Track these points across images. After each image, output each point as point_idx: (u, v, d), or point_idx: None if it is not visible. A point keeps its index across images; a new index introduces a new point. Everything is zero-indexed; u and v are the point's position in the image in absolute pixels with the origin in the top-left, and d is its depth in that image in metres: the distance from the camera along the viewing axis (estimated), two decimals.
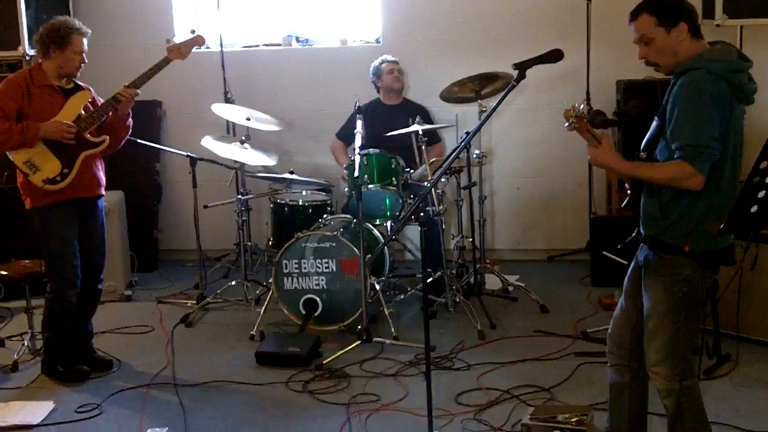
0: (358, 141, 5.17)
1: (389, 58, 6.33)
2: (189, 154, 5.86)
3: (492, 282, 6.06)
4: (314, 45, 7.09)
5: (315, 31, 7.12)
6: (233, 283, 6.00)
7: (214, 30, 6.81)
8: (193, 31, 5.01)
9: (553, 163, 6.77)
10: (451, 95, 5.76)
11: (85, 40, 4.63)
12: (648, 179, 3.20)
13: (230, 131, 6.74)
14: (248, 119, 6.01)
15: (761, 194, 2.93)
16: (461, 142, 5.49)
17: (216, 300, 5.90)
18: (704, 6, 5.81)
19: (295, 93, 6.94)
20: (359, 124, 5.34)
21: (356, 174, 4.95)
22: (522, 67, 3.48)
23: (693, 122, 3.04)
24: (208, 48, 7.12)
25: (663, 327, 3.26)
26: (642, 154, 3.30)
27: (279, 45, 7.07)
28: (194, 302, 5.93)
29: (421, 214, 5.54)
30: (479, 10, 6.68)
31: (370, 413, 4.27)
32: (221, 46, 6.67)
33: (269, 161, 5.93)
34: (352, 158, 5.47)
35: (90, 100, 4.74)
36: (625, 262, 5.28)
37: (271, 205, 5.90)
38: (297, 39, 7.08)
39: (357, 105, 5.40)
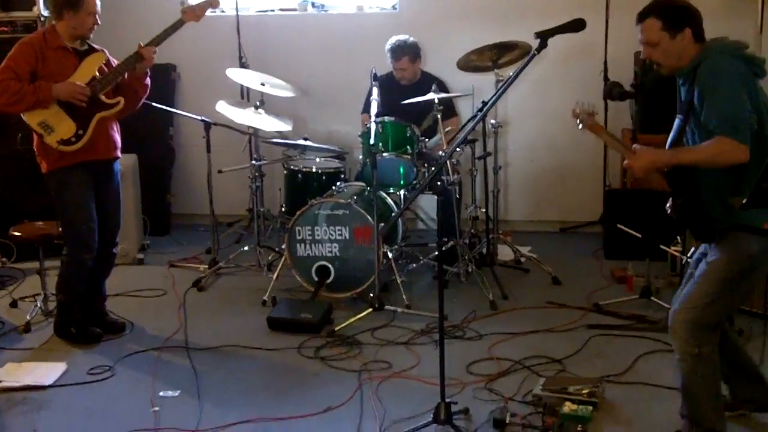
0: (373, 108, 5.13)
1: (392, 54, 6.10)
2: (203, 118, 5.84)
3: (504, 253, 6.05)
4: (330, 11, 7.02)
5: None
6: (246, 248, 5.99)
7: None
8: None
9: (567, 135, 6.69)
10: (468, 64, 5.70)
11: (98, 1, 4.59)
12: (693, 162, 3.20)
13: (244, 96, 6.72)
14: (263, 84, 5.98)
15: None
16: (478, 114, 5.46)
17: (228, 265, 5.90)
18: None
19: (310, 59, 6.90)
20: (375, 91, 5.30)
21: (372, 141, 4.92)
22: (544, 35, 3.45)
23: (723, 99, 3.10)
24: (223, 12, 7.11)
25: (705, 292, 3.29)
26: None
27: (294, 10, 7.00)
28: (206, 267, 5.94)
29: (437, 183, 5.54)
30: None
31: (382, 380, 4.28)
32: (237, 9, 6.63)
33: (284, 127, 5.92)
34: (368, 125, 5.45)
35: (104, 62, 4.71)
36: (639, 236, 5.31)
37: (285, 172, 5.88)
38: (312, 4, 7.02)
39: (373, 73, 5.34)
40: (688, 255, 3.55)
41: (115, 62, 4.76)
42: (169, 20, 4.79)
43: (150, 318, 5.16)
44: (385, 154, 5.40)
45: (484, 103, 5.43)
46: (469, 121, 5.61)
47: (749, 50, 3.28)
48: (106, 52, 4.76)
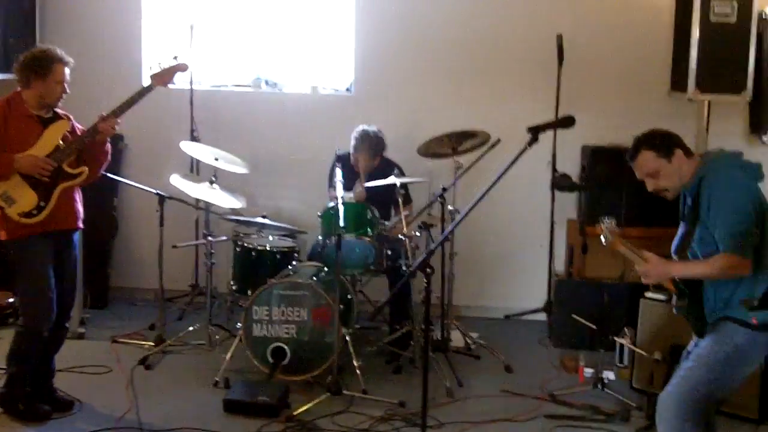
0: (339, 190, 5.14)
1: (355, 143, 6.06)
2: (158, 192, 5.74)
3: (455, 339, 6.05)
4: (284, 89, 7.04)
5: (284, 76, 7.08)
6: (196, 326, 5.84)
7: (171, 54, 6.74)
8: (175, 57, 4.93)
9: (513, 223, 6.83)
10: (428, 150, 5.79)
11: (67, 70, 4.52)
12: (702, 275, 3.47)
13: (194, 170, 6.65)
14: (216, 159, 5.93)
15: None
16: (437, 198, 5.57)
17: (176, 343, 5.74)
18: (677, 79, 6.01)
19: (263, 136, 6.89)
20: (338, 172, 5.32)
21: (342, 223, 4.92)
22: (535, 131, 3.56)
23: (730, 216, 3.37)
24: (173, 84, 7.06)
25: (690, 377, 3.48)
26: (674, 257, 3.61)
27: (248, 86, 7.01)
28: (152, 343, 5.77)
29: (398, 264, 5.58)
30: (451, 66, 6.76)
31: None
32: (191, 83, 6.61)
33: (237, 203, 5.86)
34: (327, 206, 5.45)
35: (68, 129, 4.61)
36: (594, 327, 5.42)
37: (237, 249, 5.79)
38: (266, 82, 7.03)
39: (336, 153, 5.38)
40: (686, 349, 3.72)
41: (79, 128, 4.67)
42: (124, 85, 4.71)
43: (97, 396, 4.97)
44: (345, 235, 5.38)
45: (444, 189, 5.58)
46: (428, 205, 5.73)
47: (741, 155, 3.57)
48: (71, 118, 4.67)
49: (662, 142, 3.60)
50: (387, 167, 6.02)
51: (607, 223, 3.62)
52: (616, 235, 3.62)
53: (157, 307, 6.37)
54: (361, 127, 6.06)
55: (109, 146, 4.73)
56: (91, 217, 6.55)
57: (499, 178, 3.57)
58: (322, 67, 7.03)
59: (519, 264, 6.94)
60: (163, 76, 4.88)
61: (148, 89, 4.76)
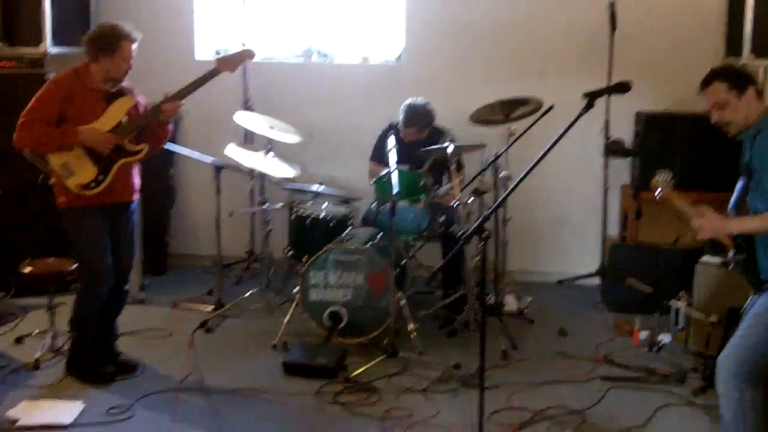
0: (393, 157, 5.18)
1: (403, 118, 6.08)
2: (215, 161, 5.85)
3: (508, 303, 6.09)
4: (335, 61, 7.10)
5: (335, 47, 7.14)
6: (254, 291, 5.96)
7: (236, 38, 6.85)
8: (243, 44, 5.00)
9: (566, 188, 6.83)
10: (480, 117, 5.81)
11: (134, 46, 4.59)
12: (756, 231, 3.49)
13: (248, 140, 6.74)
14: (272, 128, 6.01)
15: None
16: (489, 162, 5.59)
17: (235, 307, 5.86)
18: (731, 45, 5.95)
19: (315, 106, 6.95)
20: (392, 141, 5.36)
21: (396, 189, 4.98)
22: (591, 96, 3.56)
23: None
24: (216, 52, 7.17)
25: (747, 336, 3.48)
26: (732, 213, 3.64)
27: (300, 58, 7.07)
28: (211, 308, 5.90)
29: (451, 230, 5.62)
30: (503, 34, 6.75)
31: (406, 428, 4.28)
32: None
33: (292, 172, 5.93)
34: (382, 173, 5.51)
35: (132, 105, 4.70)
36: (650, 289, 5.42)
37: (292, 216, 5.88)
38: (318, 53, 7.09)
39: (389, 123, 5.43)
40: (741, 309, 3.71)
41: (143, 103, 4.77)
42: (178, 71, 4.77)
43: (160, 358, 5.10)
44: (399, 203, 5.43)
45: (497, 155, 5.59)
46: (480, 172, 5.74)
47: None
48: (135, 92, 4.76)
49: (737, 77, 3.58)
50: (436, 135, 6.07)
51: (663, 176, 3.61)
52: (671, 187, 3.61)
53: (215, 273, 6.51)
54: (408, 101, 6.10)
55: (171, 126, 4.84)
56: (149, 186, 6.68)
57: (554, 144, 3.60)
58: (372, 38, 7.06)
59: (572, 229, 6.95)
60: (230, 62, 4.97)
61: (214, 73, 4.85)
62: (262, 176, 6.29)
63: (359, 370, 4.91)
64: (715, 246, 5.20)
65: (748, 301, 3.70)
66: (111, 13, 6.69)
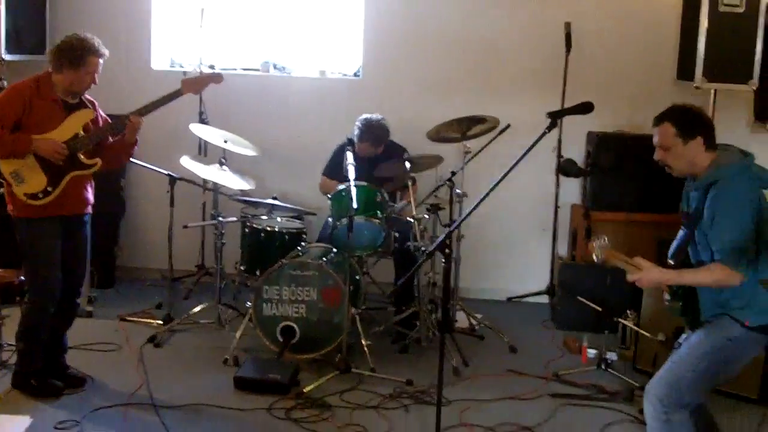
0: (351, 173, 5.19)
1: (359, 132, 6.08)
2: (170, 173, 5.80)
3: (459, 320, 6.13)
4: (292, 73, 7.09)
5: (293, 60, 7.13)
6: (205, 305, 5.90)
7: (193, 49, 6.81)
8: (212, 67, 4.97)
9: (519, 206, 6.89)
10: (438, 135, 5.85)
11: (101, 61, 4.54)
12: (693, 284, 3.54)
13: (202, 152, 6.70)
14: (226, 141, 5.98)
15: None
16: (446, 182, 5.65)
17: (185, 322, 5.80)
18: (683, 68, 6.08)
19: (271, 120, 6.94)
20: (350, 156, 5.37)
21: (355, 205, 4.99)
22: (554, 116, 3.62)
23: (730, 228, 3.42)
24: (182, 67, 7.13)
25: (680, 363, 3.56)
26: (670, 261, 3.66)
27: (257, 70, 7.05)
28: (160, 322, 5.83)
29: (406, 246, 5.64)
30: (460, 52, 6.81)
31: None
32: (200, 66, 6.65)
33: (246, 185, 5.91)
34: (339, 189, 5.52)
35: (92, 118, 4.65)
36: (599, 309, 5.50)
37: (246, 230, 5.85)
38: (275, 66, 7.08)
39: (349, 138, 5.44)
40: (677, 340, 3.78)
41: (103, 116, 4.72)
42: (132, 80, 4.72)
43: (109, 373, 5.02)
44: (355, 218, 5.44)
45: (453, 173, 5.66)
46: (436, 188, 5.80)
47: (753, 161, 3.62)
48: (96, 105, 4.71)
49: (687, 123, 3.57)
50: (392, 151, 6.10)
51: (599, 242, 3.64)
52: (608, 250, 3.63)
53: (163, 286, 6.53)
54: (364, 117, 6.12)
55: (136, 149, 4.78)
56: (98, 197, 6.65)
57: (516, 162, 3.65)
58: (330, 52, 7.08)
59: (522, 247, 7.02)
60: (195, 84, 4.94)
61: (177, 94, 4.81)
62: (216, 189, 6.25)
63: (312, 386, 4.90)
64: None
65: (684, 335, 3.77)
66: (67, 22, 6.64)
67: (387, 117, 6.25)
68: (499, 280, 7.05)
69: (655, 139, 3.67)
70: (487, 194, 3.74)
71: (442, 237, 3.59)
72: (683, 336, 3.76)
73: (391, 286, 6.59)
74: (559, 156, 6.60)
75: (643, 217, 6.22)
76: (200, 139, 6.58)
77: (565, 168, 6.30)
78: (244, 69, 7.10)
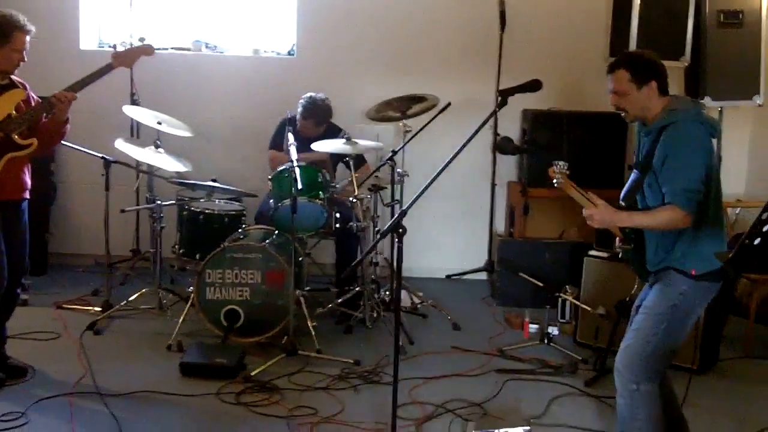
0: (293, 153, 5.14)
1: (302, 111, 6.05)
2: (104, 156, 5.66)
3: (402, 298, 6.13)
4: (225, 53, 6.97)
5: (224, 39, 7.01)
6: (144, 290, 5.79)
7: (123, 29, 6.65)
8: (142, 40, 4.86)
9: (455, 184, 6.93)
10: (378, 114, 5.84)
11: (27, 38, 4.38)
12: (646, 226, 3.58)
13: (134, 134, 6.56)
14: (159, 123, 5.86)
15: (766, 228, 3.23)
16: (386, 159, 5.65)
17: (125, 308, 5.69)
18: (617, 45, 6.19)
19: (204, 100, 6.83)
20: (290, 136, 5.32)
21: (299, 186, 4.94)
22: (504, 94, 3.64)
23: (683, 169, 3.45)
24: (110, 47, 6.94)
25: (641, 330, 3.61)
26: (622, 203, 3.68)
27: (188, 50, 6.91)
28: (98, 309, 5.71)
29: (349, 226, 5.63)
30: (397, 30, 6.80)
31: (312, 426, 4.27)
32: (130, 46, 6.48)
33: (183, 167, 5.80)
34: (279, 170, 5.47)
35: (23, 99, 4.49)
36: (541, 284, 5.58)
37: (184, 213, 5.76)
38: (206, 45, 6.95)
39: (288, 116, 5.38)
40: (635, 303, 3.83)
41: (35, 98, 4.57)
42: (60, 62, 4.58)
43: (50, 362, 4.90)
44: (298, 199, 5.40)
45: (394, 152, 5.66)
46: (377, 168, 5.80)
47: (704, 108, 3.67)
48: (28, 87, 4.55)
49: (641, 68, 3.61)
50: (332, 131, 6.07)
51: (560, 167, 3.67)
52: (566, 177, 3.67)
53: (96, 272, 6.47)
54: (308, 95, 6.07)
55: (68, 127, 4.63)
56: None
57: (468, 141, 3.71)
58: (263, 30, 6.98)
59: (459, 225, 7.07)
60: (126, 57, 4.81)
61: (108, 68, 4.67)
62: (151, 172, 6.13)
63: (259, 369, 4.87)
64: (603, 241, 5.39)
65: (641, 294, 3.84)
66: None
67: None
68: (436, 258, 7.09)
69: (610, 86, 3.70)
70: (439, 173, 3.74)
71: (396, 217, 3.59)
72: (640, 296, 3.81)
73: (331, 267, 6.61)
74: (496, 134, 6.67)
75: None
76: (132, 121, 6.45)
77: (502, 146, 6.37)
78: (175, 48, 6.94)
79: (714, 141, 3.60)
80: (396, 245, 3.64)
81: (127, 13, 6.55)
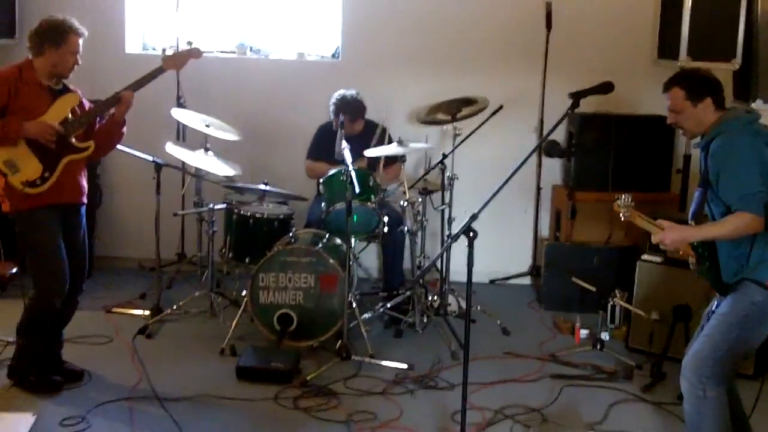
0: (348, 157, 5.11)
1: (334, 108, 6.07)
2: (155, 159, 5.68)
3: (451, 303, 6.11)
4: (269, 56, 6.97)
5: (268, 42, 7.01)
6: (196, 294, 5.79)
7: (168, 33, 6.67)
8: (190, 43, 4.90)
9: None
10: (427, 117, 5.83)
11: (81, 41, 4.44)
12: (716, 237, 3.55)
13: (180, 137, 6.56)
14: (208, 126, 5.87)
15: None
16: (438, 162, 5.65)
17: (176, 311, 5.69)
18: (665, 47, 6.14)
19: (249, 103, 6.80)
20: (342, 138, 5.29)
21: (357, 190, 4.93)
22: (577, 96, 3.64)
23: (736, 176, 3.47)
24: (155, 50, 6.97)
25: (711, 337, 3.59)
26: (691, 223, 3.68)
27: (233, 53, 6.91)
28: (147, 312, 5.71)
29: (399, 229, 5.63)
30: (441, 31, 6.74)
31: (373, 431, 4.26)
32: (177, 48, 6.49)
33: (232, 171, 5.80)
34: (331, 173, 5.46)
35: (78, 103, 4.54)
36: (593, 289, 5.54)
37: (234, 217, 5.74)
38: (251, 48, 6.95)
39: (341, 121, 5.37)
40: (707, 310, 3.81)
41: (88, 104, 4.60)
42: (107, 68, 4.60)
43: (105, 366, 4.91)
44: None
45: (444, 155, 5.65)
46: (428, 171, 5.79)
47: (758, 120, 3.62)
48: (80, 93, 4.58)
49: (696, 85, 3.65)
50: (370, 127, 6.06)
51: (624, 200, 3.68)
52: (632, 209, 3.68)
53: (141, 276, 6.48)
54: (338, 92, 6.09)
55: (125, 129, 4.66)
56: None
57: (533, 152, 3.69)
58: (307, 33, 6.97)
59: (503, 229, 7.02)
60: (176, 60, 4.86)
61: (159, 71, 4.70)
62: (199, 175, 6.14)
63: (314, 374, 4.86)
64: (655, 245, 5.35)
65: (713, 303, 3.82)
66: (38, 5, 6.40)
67: (367, 98, 6.20)
68: (480, 262, 7.01)
69: (667, 104, 3.75)
70: (506, 182, 3.76)
71: (468, 221, 3.66)
72: (713, 303, 3.78)
73: (375, 270, 6.61)
74: (541, 137, 6.63)
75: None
76: (178, 124, 6.45)
77: (548, 149, 6.33)
78: (220, 52, 6.94)
79: None
80: (467, 249, 3.60)
81: (173, 16, 6.54)
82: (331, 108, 6.05)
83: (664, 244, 3.62)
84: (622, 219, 3.71)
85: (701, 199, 3.70)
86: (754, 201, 3.41)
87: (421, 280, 5.85)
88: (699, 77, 3.73)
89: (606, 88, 3.69)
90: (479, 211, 3.67)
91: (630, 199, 3.69)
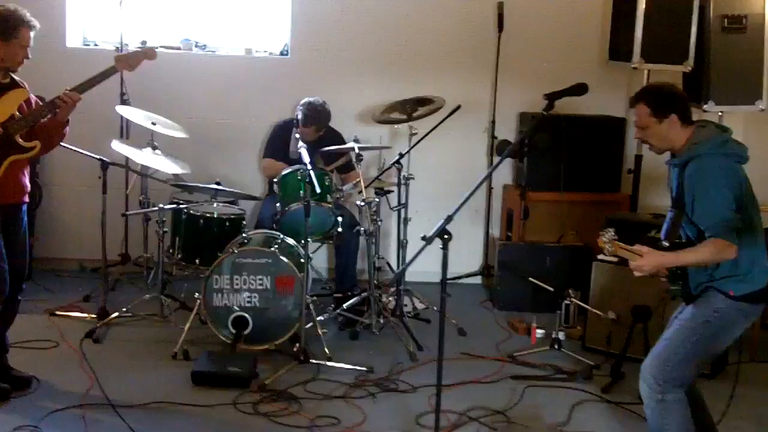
0: (306, 156, 5.01)
1: (302, 117, 5.93)
2: (102, 157, 5.48)
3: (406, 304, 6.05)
4: (216, 52, 6.80)
5: (215, 38, 6.84)
6: (146, 297, 5.60)
7: (111, 27, 6.46)
8: (143, 43, 4.73)
9: (450, 187, 6.85)
10: (383, 116, 5.77)
11: (32, 34, 4.25)
12: (694, 263, 3.56)
13: (124, 135, 6.36)
14: (154, 123, 5.70)
15: None
16: (394, 164, 5.58)
17: (125, 315, 5.49)
18: (617, 49, 6.19)
19: (196, 100, 6.62)
20: (297, 139, 5.19)
21: (318, 190, 4.83)
22: (551, 97, 3.61)
23: (710, 203, 3.47)
24: (96, 45, 6.75)
25: (672, 341, 3.62)
26: (664, 243, 3.66)
27: (178, 48, 6.72)
28: (93, 315, 5.51)
29: (355, 230, 5.55)
30: (393, 29, 6.66)
31: None
32: (121, 45, 6.29)
33: (181, 169, 5.64)
34: (285, 173, 5.35)
35: (25, 99, 4.33)
36: (551, 289, 5.54)
37: (183, 217, 5.57)
38: (196, 44, 6.77)
39: (281, 122, 5.30)
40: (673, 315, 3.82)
41: (35, 100, 4.40)
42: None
43: (52, 372, 4.70)
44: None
45: (401, 155, 5.59)
46: (383, 170, 5.73)
47: (731, 139, 3.64)
48: (27, 87, 4.37)
49: (661, 102, 3.64)
50: (331, 135, 5.98)
51: (609, 235, 3.66)
52: (615, 243, 3.66)
53: (83, 277, 6.29)
54: (306, 101, 5.97)
55: (68, 129, 4.46)
56: None
57: (505, 156, 3.66)
58: (255, 29, 6.82)
59: (454, 228, 6.92)
60: (129, 60, 4.68)
61: (112, 71, 4.53)
62: (145, 174, 5.95)
63: (271, 378, 4.74)
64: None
65: (678, 309, 3.83)
66: None
67: (316, 96, 6.09)
68: (431, 261, 6.98)
69: (634, 120, 3.76)
70: (481, 183, 3.74)
71: (442, 223, 3.61)
72: (677, 310, 3.79)
73: (326, 271, 6.51)
74: (493, 137, 6.62)
75: (578, 196, 6.30)
76: (122, 122, 6.26)
77: (502, 149, 6.32)
78: (165, 47, 6.73)
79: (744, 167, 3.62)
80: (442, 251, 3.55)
81: (115, 10, 6.33)
82: (299, 116, 5.93)
83: (642, 270, 3.59)
84: (607, 255, 3.70)
85: (673, 221, 3.69)
86: (727, 228, 3.43)
87: (375, 281, 5.76)
88: (664, 93, 3.71)
89: (580, 89, 3.67)
90: (454, 213, 3.64)
91: (613, 233, 3.66)
